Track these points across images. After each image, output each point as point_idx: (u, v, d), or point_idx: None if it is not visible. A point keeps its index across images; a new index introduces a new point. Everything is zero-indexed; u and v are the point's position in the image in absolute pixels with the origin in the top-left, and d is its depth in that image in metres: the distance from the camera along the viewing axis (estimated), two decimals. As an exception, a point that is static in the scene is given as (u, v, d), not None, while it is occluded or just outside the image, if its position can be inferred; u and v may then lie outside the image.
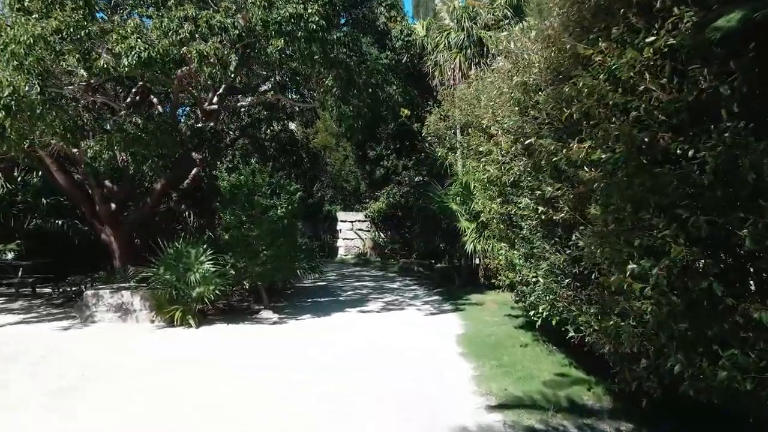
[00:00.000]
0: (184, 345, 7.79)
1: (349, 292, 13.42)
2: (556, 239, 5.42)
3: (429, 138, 9.98)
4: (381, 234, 23.38)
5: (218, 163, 10.10)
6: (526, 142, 4.62)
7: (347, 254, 24.52)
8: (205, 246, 9.41)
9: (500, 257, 7.26)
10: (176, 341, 8.03)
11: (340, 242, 24.90)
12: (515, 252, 6.66)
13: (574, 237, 4.28)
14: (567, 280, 5.22)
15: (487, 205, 7.10)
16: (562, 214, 4.40)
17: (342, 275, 17.63)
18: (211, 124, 11.76)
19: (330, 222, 27.16)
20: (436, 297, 12.51)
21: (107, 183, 12.29)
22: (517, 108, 4.98)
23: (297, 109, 15.43)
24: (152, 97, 12.69)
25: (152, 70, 7.17)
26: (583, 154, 3.58)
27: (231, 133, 14.95)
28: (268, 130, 14.90)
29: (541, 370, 6.08)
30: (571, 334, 4.90)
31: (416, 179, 17.47)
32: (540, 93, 4.78)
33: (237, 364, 6.66)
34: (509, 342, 7.50)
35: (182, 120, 12.41)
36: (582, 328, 4.77)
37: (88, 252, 13.94)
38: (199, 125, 11.38)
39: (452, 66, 13.01)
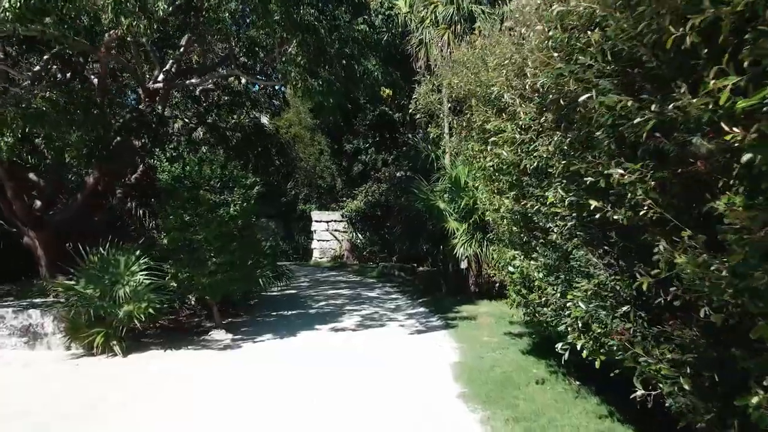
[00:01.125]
0: (93, 385, 5.95)
1: (321, 303, 11.68)
2: (606, 248, 3.80)
3: (418, 116, 8.25)
4: (359, 235, 21.72)
5: (159, 150, 8.25)
6: (580, 99, 2.97)
7: (322, 257, 22.75)
8: (139, 252, 7.58)
9: (510, 269, 5.64)
10: (86, 378, 6.17)
11: (314, 244, 23.10)
12: (532, 263, 5.05)
13: (661, 248, 2.65)
14: (624, 308, 3.60)
15: (494, 201, 5.46)
16: (643, 212, 2.75)
17: (315, 281, 15.88)
18: (157, 106, 9.90)
19: (304, 222, 25.34)
20: (422, 309, 10.86)
21: (32, 176, 10.30)
22: (556, 54, 3.34)
23: (263, 97, 13.62)
24: (91, 76, 10.77)
25: (52, 24, 5.36)
26: (724, 101, 1.95)
27: (188, 121, 13.06)
28: (230, 118, 13.05)
29: (574, 425, 4.45)
30: (640, 392, 3.27)
31: (398, 174, 15.81)
32: (592, 31, 3.14)
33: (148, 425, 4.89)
34: (521, 376, 5.87)
35: (129, 101, 10.48)
36: (660, 385, 3.14)
37: (17, 258, 11.92)
38: (141, 107, 9.52)
39: (440, 44, 11.36)
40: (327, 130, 18.07)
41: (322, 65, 7.74)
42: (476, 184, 5.72)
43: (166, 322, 9.07)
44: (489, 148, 5.16)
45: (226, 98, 12.56)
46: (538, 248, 4.81)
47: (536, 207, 4.57)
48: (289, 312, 10.60)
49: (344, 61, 8.02)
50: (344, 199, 22.36)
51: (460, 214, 11.61)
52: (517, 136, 4.59)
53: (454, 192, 11.73)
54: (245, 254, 8.28)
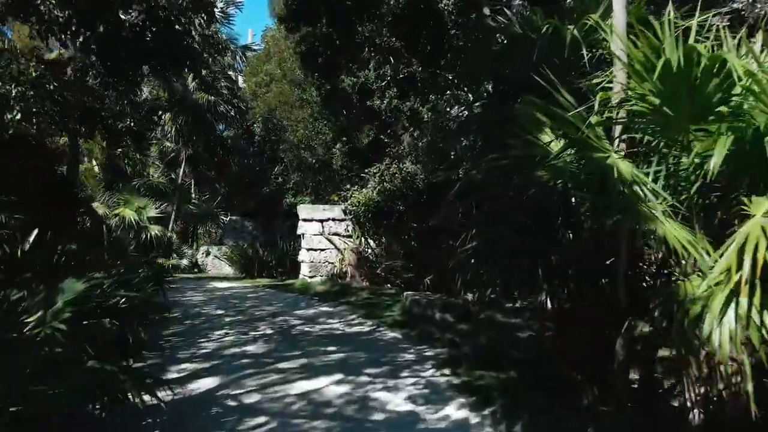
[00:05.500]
0: None
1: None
2: None
3: None
4: (370, 242, 13.80)
5: None
6: None
7: (314, 275, 14.72)
8: None
9: None
10: None
11: (302, 255, 15.12)
12: None
13: None
14: None
15: None
16: None
17: (283, 336, 7.85)
18: None
19: (292, 221, 17.32)
20: None
21: None
22: None
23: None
24: None
25: None
26: None
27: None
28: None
29: None
30: None
31: (453, 113, 7.69)
32: None
33: None
34: None
35: None
36: None
37: None
38: None
39: None
40: (312, 52, 9.55)
41: None
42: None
43: None
44: None
45: None
46: None
47: None
48: None
49: None
50: (348, 186, 14.47)
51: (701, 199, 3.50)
52: None
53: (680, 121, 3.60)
54: None
